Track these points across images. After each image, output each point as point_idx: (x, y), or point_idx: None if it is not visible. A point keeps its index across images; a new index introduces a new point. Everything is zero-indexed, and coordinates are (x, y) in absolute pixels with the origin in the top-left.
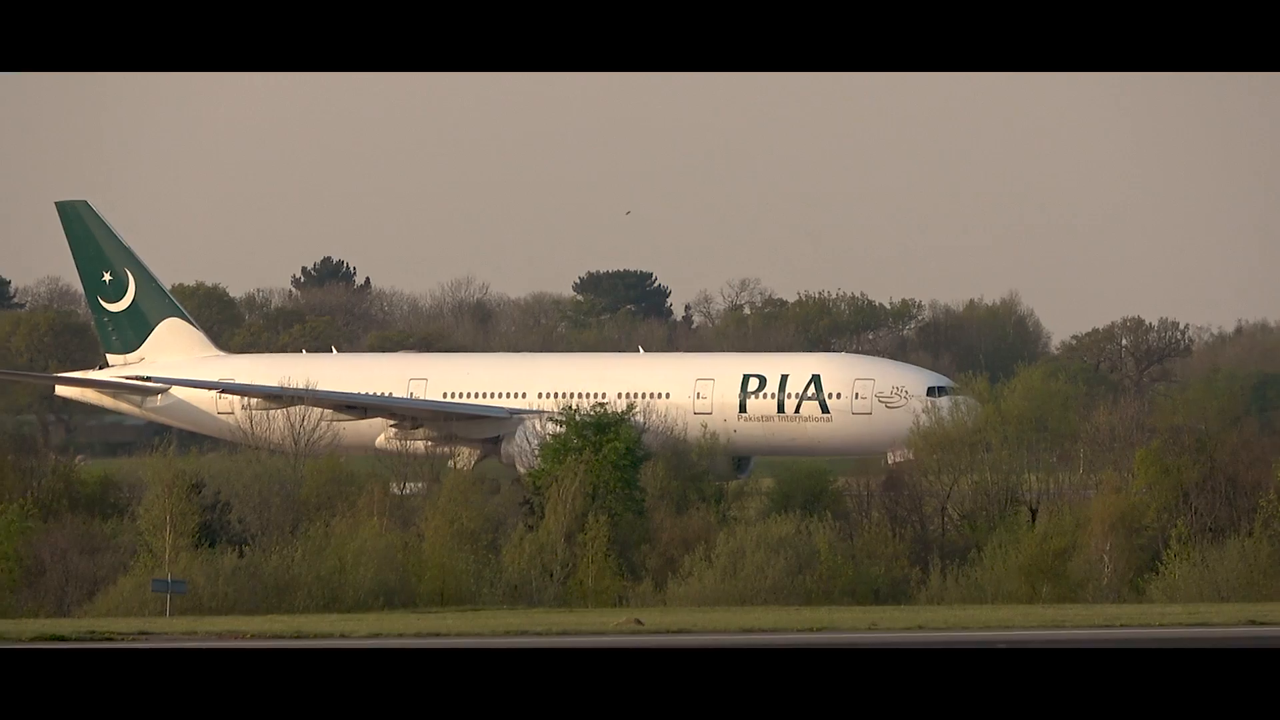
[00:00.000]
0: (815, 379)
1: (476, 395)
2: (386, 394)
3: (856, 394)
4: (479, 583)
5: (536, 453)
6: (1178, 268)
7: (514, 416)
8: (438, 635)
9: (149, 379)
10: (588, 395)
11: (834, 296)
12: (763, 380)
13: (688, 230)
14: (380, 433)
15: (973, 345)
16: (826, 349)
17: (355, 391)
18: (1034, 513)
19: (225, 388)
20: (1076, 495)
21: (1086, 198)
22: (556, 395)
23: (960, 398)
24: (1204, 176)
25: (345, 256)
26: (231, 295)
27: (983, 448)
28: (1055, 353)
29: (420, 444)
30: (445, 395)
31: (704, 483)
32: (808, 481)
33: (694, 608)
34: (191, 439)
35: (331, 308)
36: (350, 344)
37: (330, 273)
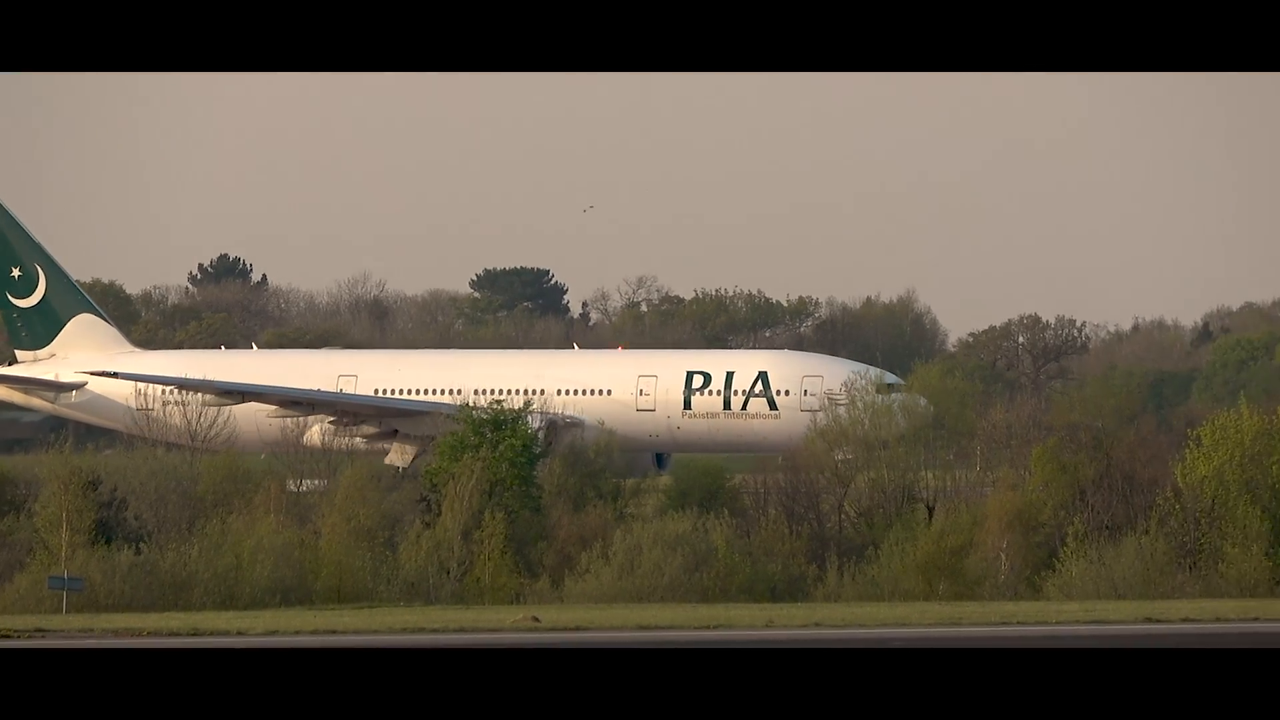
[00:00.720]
0: (762, 376)
1: (409, 392)
2: (317, 390)
3: (805, 391)
4: (376, 580)
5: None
6: (1075, 265)
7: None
8: (334, 633)
9: (116, 374)
10: (525, 392)
11: (731, 294)
12: (707, 377)
13: (585, 227)
14: (309, 429)
15: (870, 343)
16: (724, 346)
17: (289, 386)
18: (931, 510)
19: (184, 384)
20: (973, 493)
21: (984, 195)
22: (493, 392)
23: (914, 395)
24: (1100, 174)
25: (241, 253)
26: (128, 292)
27: (879, 445)
28: (952, 350)
29: (360, 441)
30: (376, 392)
31: (601, 480)
32: (704, 479)
33: (591, 605)
34: (88, 435)
35: (228, 305)
36: (248, 341)
37: (227, 270)
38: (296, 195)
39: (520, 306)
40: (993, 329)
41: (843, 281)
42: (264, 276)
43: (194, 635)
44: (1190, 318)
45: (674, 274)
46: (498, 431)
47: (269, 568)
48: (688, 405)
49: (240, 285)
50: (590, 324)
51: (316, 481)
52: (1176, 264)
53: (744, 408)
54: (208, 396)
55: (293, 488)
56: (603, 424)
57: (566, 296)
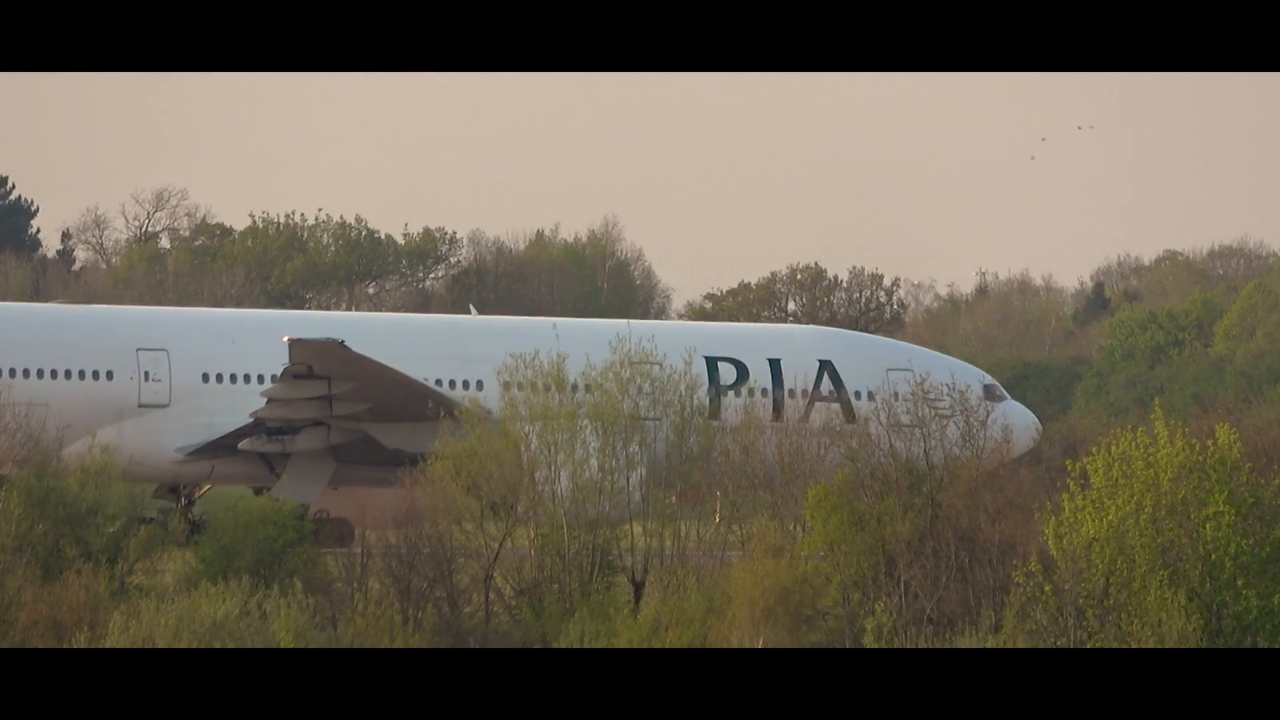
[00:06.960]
0: (826, 368)
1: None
2: (108, 372)
3: (897, 394)
4: None
5: None
6: (886, 195)
7: None
8: None
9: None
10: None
11: (310, 223)
12: (741, 369)
13: (66, 119)
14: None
15: (540, 303)
16: (300, 304)
17: None
18: (639, 587)
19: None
20: (710, 559)
21: (733, 100)
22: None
23: (1022, 407)
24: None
25: None
26: None
27: (550, 473)
28: (679, 318)
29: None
30: (205, 378)
31: (88, 529)
32: (262, 530)
33: None
34: None
35: None
36: None
37: None
38: None
39: None
40: (745, 287)
41: (499, 209)
42: None
43: None
44: (1073, 275)
45: (216, 192)
46: None
47: None
48: (714, 416)
49: None
50: (75, 267)
51: None
52: (1051, 194)
53: (806, 416)
54: None
55: None
56: None
57: (36, 223)
